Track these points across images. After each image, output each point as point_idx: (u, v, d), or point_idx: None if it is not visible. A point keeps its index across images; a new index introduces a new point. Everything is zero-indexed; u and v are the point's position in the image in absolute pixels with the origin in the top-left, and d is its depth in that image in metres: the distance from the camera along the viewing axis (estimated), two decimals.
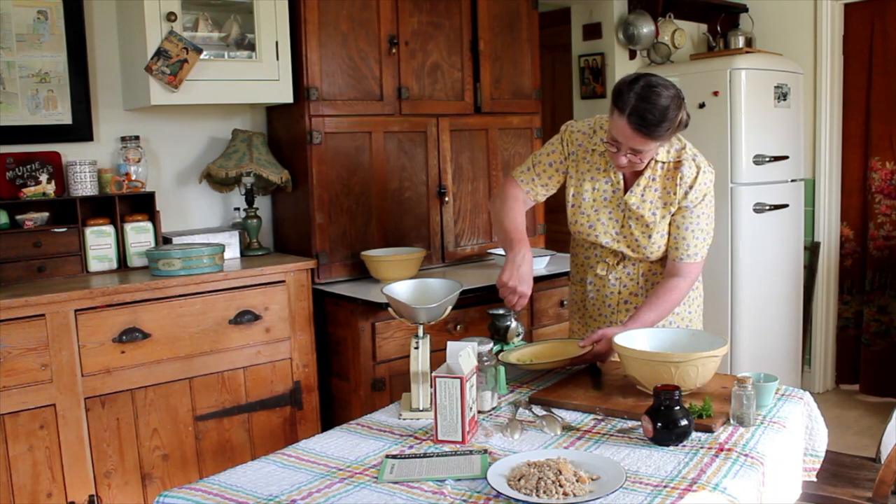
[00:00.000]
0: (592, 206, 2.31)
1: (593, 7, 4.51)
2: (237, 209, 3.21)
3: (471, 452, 1.69)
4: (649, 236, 2.25)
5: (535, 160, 2.39)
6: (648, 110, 1.99)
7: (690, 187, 2.21)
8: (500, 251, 3.37)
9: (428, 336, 1.97)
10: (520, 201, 2.37)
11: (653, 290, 2.30)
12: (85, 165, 2.74)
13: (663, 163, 2.24)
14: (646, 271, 2.36)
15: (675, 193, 2.22)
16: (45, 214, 2.71)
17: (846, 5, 4.42)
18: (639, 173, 2.25)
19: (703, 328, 2.46)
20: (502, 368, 2.11)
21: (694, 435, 1.74)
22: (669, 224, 2.26)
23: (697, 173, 2.21)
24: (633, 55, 4.55)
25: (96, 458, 2.48)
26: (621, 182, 2.28)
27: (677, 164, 2.23)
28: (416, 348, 1.95)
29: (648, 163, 2.21)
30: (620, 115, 2.03)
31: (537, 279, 3.14)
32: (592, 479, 1.52)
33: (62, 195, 2.76)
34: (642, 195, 2.25)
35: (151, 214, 2.86)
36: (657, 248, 2.27)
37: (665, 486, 1.51)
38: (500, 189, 2.45)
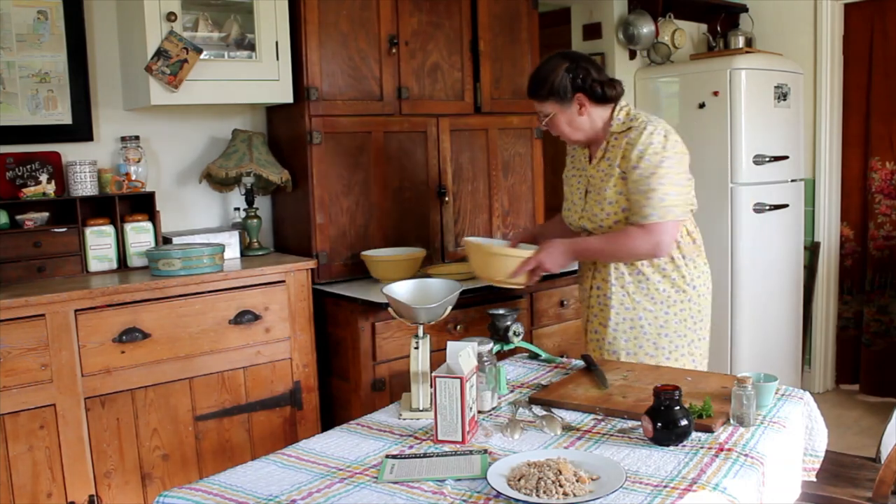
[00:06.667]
0: (570, 190, 2.55)
1: (593, 7, 4.51)
2: (237, 209, 3.21)
3: (471, 452, 1.69)
4: (599, 202, 2.38)
5: None
6: (532, 78, 2.40)
7: (636, 147, 2.27)
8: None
9: (428, 336, 1.97)
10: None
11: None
12: (85, 165, 2.74)
13: (615, 133, 2.37)
14: (613, 269, 2.40)
15: (620, 157, 2.31)
16: (45, 214, 2.71)
17: (846, 5, 4.42)
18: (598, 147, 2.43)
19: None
20: (502, 368, 2.11)
21: (694, 435, 1.74)
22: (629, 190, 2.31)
23: (642, 133, 2.27)
24: (633, 55, 4.55)
25: (96, 458, 2.47)
26: (588, 161, 2.49)
27: (627, 130, 2.34)
28: (416, 348, 1.95)
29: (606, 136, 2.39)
30: None
31: (539, 279, 3.15)
32: (592, 479, 1.52)
33: (62, 195, 2.76)
34: (598, 165, 2.41)
35: (151, 214, 2.86)
36: (606, 216, 2.36)
37: (665, 486, 1.51)
38: None
